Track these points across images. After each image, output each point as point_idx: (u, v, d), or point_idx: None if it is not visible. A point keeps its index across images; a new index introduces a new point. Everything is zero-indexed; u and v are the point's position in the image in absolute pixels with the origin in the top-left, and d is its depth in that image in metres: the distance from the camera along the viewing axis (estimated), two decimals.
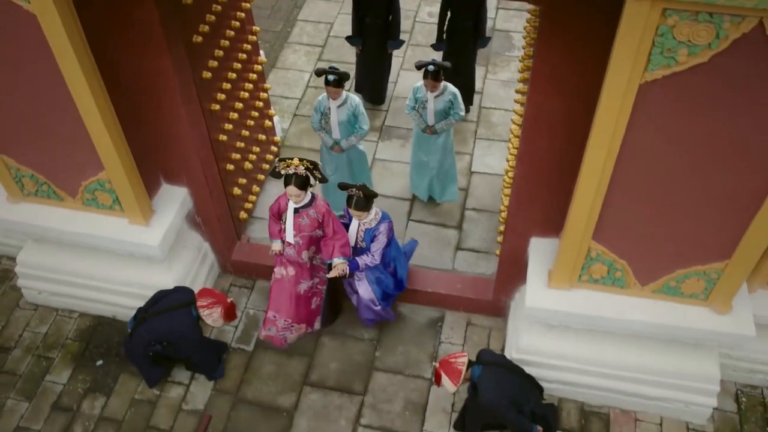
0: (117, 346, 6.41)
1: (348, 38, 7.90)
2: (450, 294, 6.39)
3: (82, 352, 6.45)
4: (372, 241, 5.68)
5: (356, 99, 6.52)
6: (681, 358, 5.52)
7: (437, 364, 5.32)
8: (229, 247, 6.72)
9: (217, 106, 5.95)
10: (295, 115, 8.33)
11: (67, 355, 6.43)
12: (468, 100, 7.94)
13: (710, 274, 4.88)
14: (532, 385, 5.55)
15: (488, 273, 6.62)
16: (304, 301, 6.08)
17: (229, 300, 5.66)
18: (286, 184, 5.38)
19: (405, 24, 8.71)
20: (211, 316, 5.62)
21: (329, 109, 6.46)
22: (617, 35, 3.64)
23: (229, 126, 6.25)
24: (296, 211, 5.57)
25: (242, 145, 6.61)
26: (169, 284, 6.08)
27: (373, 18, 7.52)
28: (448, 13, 7.51)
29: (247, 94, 6.55)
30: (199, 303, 5.62)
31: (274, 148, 7.55)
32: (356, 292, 6.03)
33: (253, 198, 7.05)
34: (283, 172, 5.36)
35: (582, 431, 5.83)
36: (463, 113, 6.64)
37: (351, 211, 5.57)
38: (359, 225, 5.70)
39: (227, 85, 6.13)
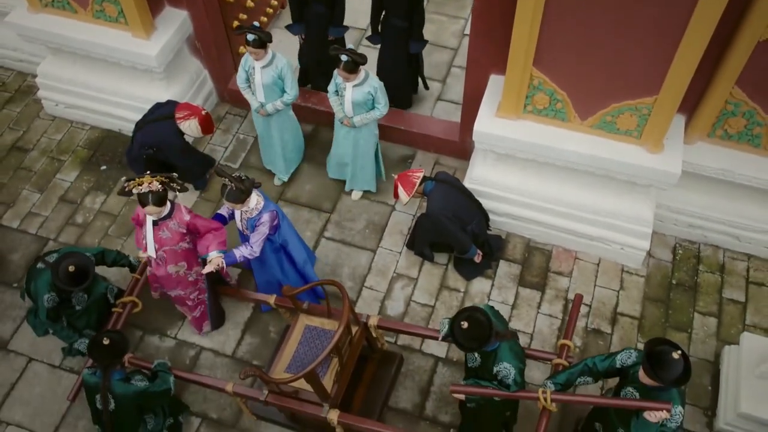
0: (120, 156, 7.18)
1: (288, 27, 7.05)
2: (421, 133, 6.92)
3: (89, 158, 7.25)
4: (253, 231, 5.29)
5: (283, 60, 6.03)
6: (618, 199, 5.99)
7: (396, 176, 5.88)
8: (227, 77, 7.32)
9: None
10: None
11: (77, 160, 7.23)
12: (405, 103, 7.30)
13: (641, 110, 5.27)
14: (478, 208, 6.10)
15: None
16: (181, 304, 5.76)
17: (203, 112, 6.21)
18: (143, 204, 4.86)
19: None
20: (189, 127, 6.20)
21: (253, 69, 6.01)
22: None
23: None
24: (155, 223, 5.08)
25: None
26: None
27: (315, 3, 6.67)
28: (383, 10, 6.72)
29: None
30: (177, 115, 6.20)
31: None
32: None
33: None
34: (135, 191, 4.80)
35: (524, 262, 6.39)
36: (385, 109, 6.05)
37: (224, 200, 5.09)
38: (241, 214, 5.28)
39: None
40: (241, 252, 5.24)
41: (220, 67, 7.13)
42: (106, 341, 4.71)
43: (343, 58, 5.66)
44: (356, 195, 6.82)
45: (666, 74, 4.93)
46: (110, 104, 7.13)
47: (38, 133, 7.47)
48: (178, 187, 4.96)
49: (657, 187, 5.67)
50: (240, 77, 6.18)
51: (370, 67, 6.13)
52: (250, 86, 6.20)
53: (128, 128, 7.15)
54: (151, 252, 5.19)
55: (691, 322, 6.02)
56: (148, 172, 4.89)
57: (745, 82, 5.24)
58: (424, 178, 5.85)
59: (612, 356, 4.49)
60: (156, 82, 6.85)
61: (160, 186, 4.83)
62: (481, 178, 6.17)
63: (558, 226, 6.26)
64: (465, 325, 4.23)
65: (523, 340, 5.93)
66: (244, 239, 5.43)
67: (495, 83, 5.91)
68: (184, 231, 5.16)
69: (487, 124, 5.69)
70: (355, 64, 5.70)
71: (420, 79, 7.31)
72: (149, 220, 5.05)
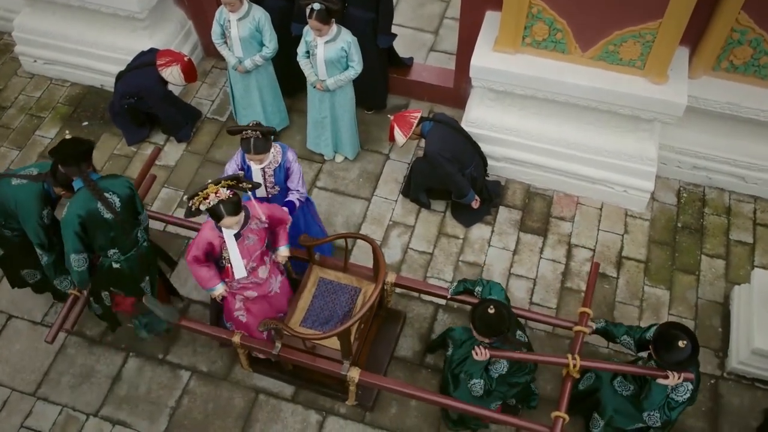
0: (102, 112, 6.92)
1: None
2: (414, 80, 6.68)
3: (70, 114, 6.98)
4: (287, 177, 4.94)
5: (260, 11, 5.68)
6: (621, 137, 5.77)
7: (391, 117, 5.64)
8: None
9: None
10: None
11: (57, 116, 6.96)
12: (376, 103, 6.76)
13: (645, 36, 5.06)
14: (476, 151, 5.86)
15: None
16: (284, 292, 5.02)
17: (185, 58, 5.94)
18: (218, 219, 4.11)
19: None
20: (171, 74, 5.95)
21: (229, 21, 5.66)
22: None
23: None
24: (237, 236, 4.34)
25: None
26: None
27: None
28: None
29: None
30: (158, 62, 5.94)
31: None
32: None
33: None
34: (202, 207, 4.08)
35: (525, 208, 6.17)
36: (359, 68, 5.64)
37: (250, 157, 4.67)
38: (263, 170, 4.84)
39: None
40: (295, 196, 4.96)
41: (204, 19, 6.86)
42: None
43: (316, 6, 5.21)
44: (339, 158, 6.53)
45: None
46: (91, 57, 6.85)
47: (16, 91, 7.18)
48: (249, 185, 4.27)
49: (662, 120, 5.46)
50: (215, 32, 5.82)
51: None
52: (226, 42, 5.87)
53: (110, 83, 6.86)
54: (242, 272, 4.45)
55: (698, 265, 5.82)
56: (210, 181, 4.12)
57: (752, 6, 5.04)
58: (422, 119, 5.61)
59: (646, 329, 4.50)
60: (139, 31, 6.58)
61: (229, 192, 4.08)
62: (478, 119, 5.94)
63: (558, 169, 6.05)
64: (492, 310, 4.24)
65: (526, 285, 5.73)
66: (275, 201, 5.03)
67: (491, 19, 5.69)
68: (267, 224, 4.50)
69: (484, 58, 5.48)
70: (329, 13, 5.27)
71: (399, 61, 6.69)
72: (229, 236, 4.29)
